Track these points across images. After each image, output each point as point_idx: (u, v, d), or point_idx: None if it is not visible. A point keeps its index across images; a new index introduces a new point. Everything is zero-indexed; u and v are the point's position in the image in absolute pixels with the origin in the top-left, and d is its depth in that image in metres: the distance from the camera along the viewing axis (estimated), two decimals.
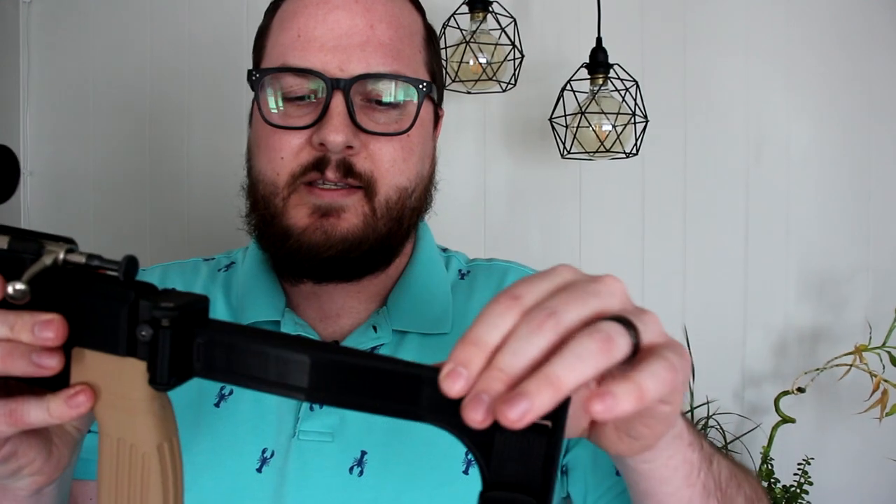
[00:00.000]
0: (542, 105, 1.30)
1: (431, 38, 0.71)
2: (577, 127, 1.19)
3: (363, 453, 0.62)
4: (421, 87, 0.64)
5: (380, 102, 0.63)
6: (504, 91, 1.29)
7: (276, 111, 0.64)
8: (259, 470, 0.62)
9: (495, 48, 1.23)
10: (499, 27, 1.24)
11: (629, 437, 0.41)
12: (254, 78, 0.64)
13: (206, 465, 0.62)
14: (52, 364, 0.40)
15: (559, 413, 0.33)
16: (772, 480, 1.20)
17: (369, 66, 0.62)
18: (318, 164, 0.61)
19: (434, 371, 0.34)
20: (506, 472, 0.34)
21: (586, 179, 1.38)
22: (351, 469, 0.62)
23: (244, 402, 0.65)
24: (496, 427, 0.32)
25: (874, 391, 1.15)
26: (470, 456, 0.62)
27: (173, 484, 0.42)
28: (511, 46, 1.24)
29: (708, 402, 1.34)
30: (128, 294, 0.39)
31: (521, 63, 1.26)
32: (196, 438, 0.63)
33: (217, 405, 0.65)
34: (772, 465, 1.21)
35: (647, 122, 1.21)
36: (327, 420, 0.63)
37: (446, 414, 0.34)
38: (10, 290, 0.39)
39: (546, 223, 1.40)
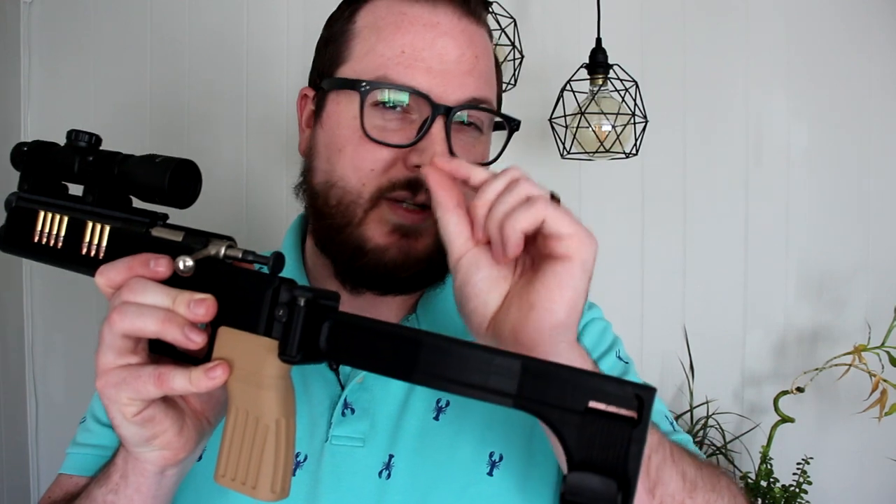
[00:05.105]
0: (542, 105, 1.29)
1: (498, 68, 0.74)
2: (577, 127, 1.19)
3: (391, 457, 0.63)
4: (513, 124, 0.69)
5: (471, 127, 0.66)
6: (504, 91, 1.28)
7: (370, 122, 0.63)
8: (293, 473, 0.63)
9: (495, 48, 1.22)
10: (499, 27, 1.24)
11: (536, 288, 0.52)
12: (363, 88, 0.63)
13: None
14: (197, 339, 0.46)
15: (644, 407, 0.36)
16: (771, 480, 1.20)
17: (473, 93, 0.65)
18: (410, 185, 0.62)
19: (529, 359, 0.39)
20: (592, 457, 0.37)
21: (586, 180, 1.38)
22: (380, 473, 0.63)
23: None
24: (584, 412, 0.37)
25: (873, 391, 1.15)
26: (494, 458, 0.64)
27: (285, 455, 0.47)
28: (511, 46, 1.24)
29: (707, 402, 1.34)
30: (273, 280, 0.46)
31: (521, 63, 1.26)
32: None
33: None
34: (771, 465, 1.21)
35: (646, 122, 1.21)
36: (359, 426, 0.64)
37: (535, 402, 0.39)
38: (180, 264, 0.47)
39: None
